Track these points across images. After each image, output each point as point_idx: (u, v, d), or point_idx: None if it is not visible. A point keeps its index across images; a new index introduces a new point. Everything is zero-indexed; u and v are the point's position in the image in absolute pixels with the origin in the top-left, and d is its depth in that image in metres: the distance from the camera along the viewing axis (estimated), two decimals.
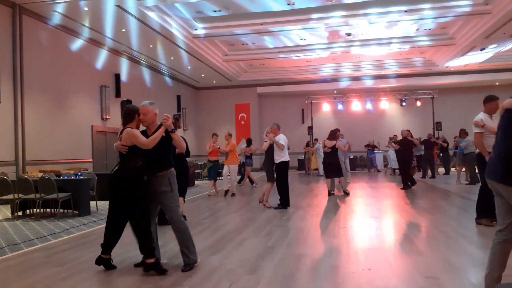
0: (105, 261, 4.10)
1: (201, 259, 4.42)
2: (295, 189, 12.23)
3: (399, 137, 12.71)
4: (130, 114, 4.10)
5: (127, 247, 4.90)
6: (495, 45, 15.54)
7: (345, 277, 3.72)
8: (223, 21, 13.63)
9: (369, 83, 21.58)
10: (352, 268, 3.97)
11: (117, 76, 14.83)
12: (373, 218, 6.90)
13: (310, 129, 22.13)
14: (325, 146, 10.03)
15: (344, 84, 21.83)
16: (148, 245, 3.94)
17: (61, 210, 8.00)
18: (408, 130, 11.97)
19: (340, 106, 22.80)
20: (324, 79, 21.60)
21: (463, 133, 11.90)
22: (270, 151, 8.29)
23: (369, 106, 22.69)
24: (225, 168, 10.78)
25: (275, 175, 8.27)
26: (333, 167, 9.95)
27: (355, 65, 20.36)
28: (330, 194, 10.17)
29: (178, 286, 3.58)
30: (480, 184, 6.06)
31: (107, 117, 14.01)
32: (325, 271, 3.91)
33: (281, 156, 8.09)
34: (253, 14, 13.11)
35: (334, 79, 21.67)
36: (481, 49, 15.96)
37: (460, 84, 21.51)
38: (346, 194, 10.06)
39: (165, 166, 4.08)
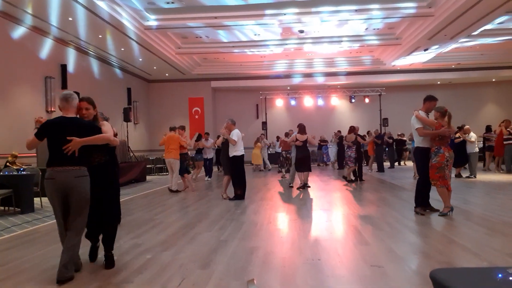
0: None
1: (153, 255, 4.38)
2: (248, 183, 12.27)
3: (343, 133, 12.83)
4: None
5: None
6: (437, 46, 16.48)
7: (296, 268, 3.83)
8: (176, 13, 13.37)
9: (320, 80, 22.15)
10: (302, 259, 4.09)
11: (64, 67, 14.09)
12: (323, 211, 7.12)
13: (264, 124, 22.36)
14: (296, 140, 10.25)
15: (297, 80, 22.24)
16: None
17: (2, 208, 7.56)
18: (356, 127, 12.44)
19: (293, 102, 23.25)
20: (277, 75, 21.86)
21: None
22: (225, 146, 8.61)
23: (320, 102, 23.32)
24: (173, 162, 10.33)
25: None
26: (305, 161, 10.29)
27: (307, 62, 20.78)
28: (290, 186, 10.67)
29: (129, 283, 3.52)
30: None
31: (52, 109, 13.30)
32: (276, 263, 4.00)
33: (234, 151, 8.41)
34: (207, 8, 12.97)
35: (288, 76, 22.00)
36: (425, 50, 16.86)
37: (405, 83, 22.65)
38: (307, 187, 10.37)
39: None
